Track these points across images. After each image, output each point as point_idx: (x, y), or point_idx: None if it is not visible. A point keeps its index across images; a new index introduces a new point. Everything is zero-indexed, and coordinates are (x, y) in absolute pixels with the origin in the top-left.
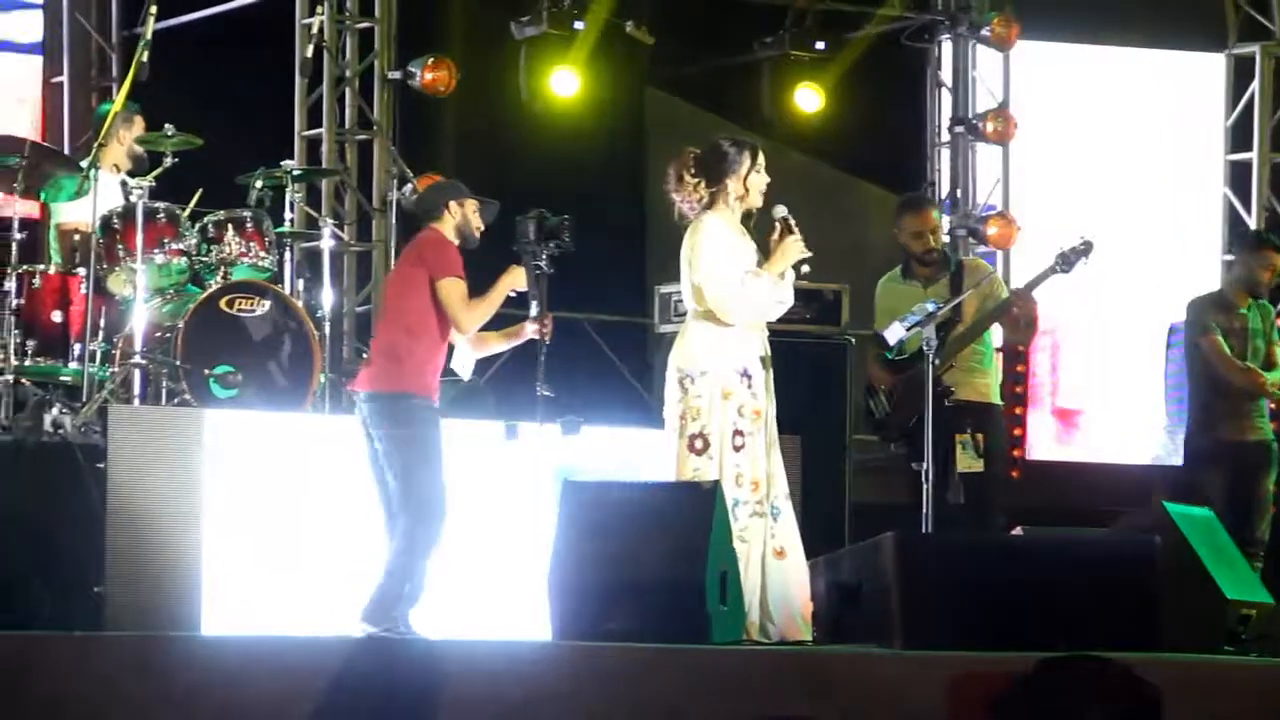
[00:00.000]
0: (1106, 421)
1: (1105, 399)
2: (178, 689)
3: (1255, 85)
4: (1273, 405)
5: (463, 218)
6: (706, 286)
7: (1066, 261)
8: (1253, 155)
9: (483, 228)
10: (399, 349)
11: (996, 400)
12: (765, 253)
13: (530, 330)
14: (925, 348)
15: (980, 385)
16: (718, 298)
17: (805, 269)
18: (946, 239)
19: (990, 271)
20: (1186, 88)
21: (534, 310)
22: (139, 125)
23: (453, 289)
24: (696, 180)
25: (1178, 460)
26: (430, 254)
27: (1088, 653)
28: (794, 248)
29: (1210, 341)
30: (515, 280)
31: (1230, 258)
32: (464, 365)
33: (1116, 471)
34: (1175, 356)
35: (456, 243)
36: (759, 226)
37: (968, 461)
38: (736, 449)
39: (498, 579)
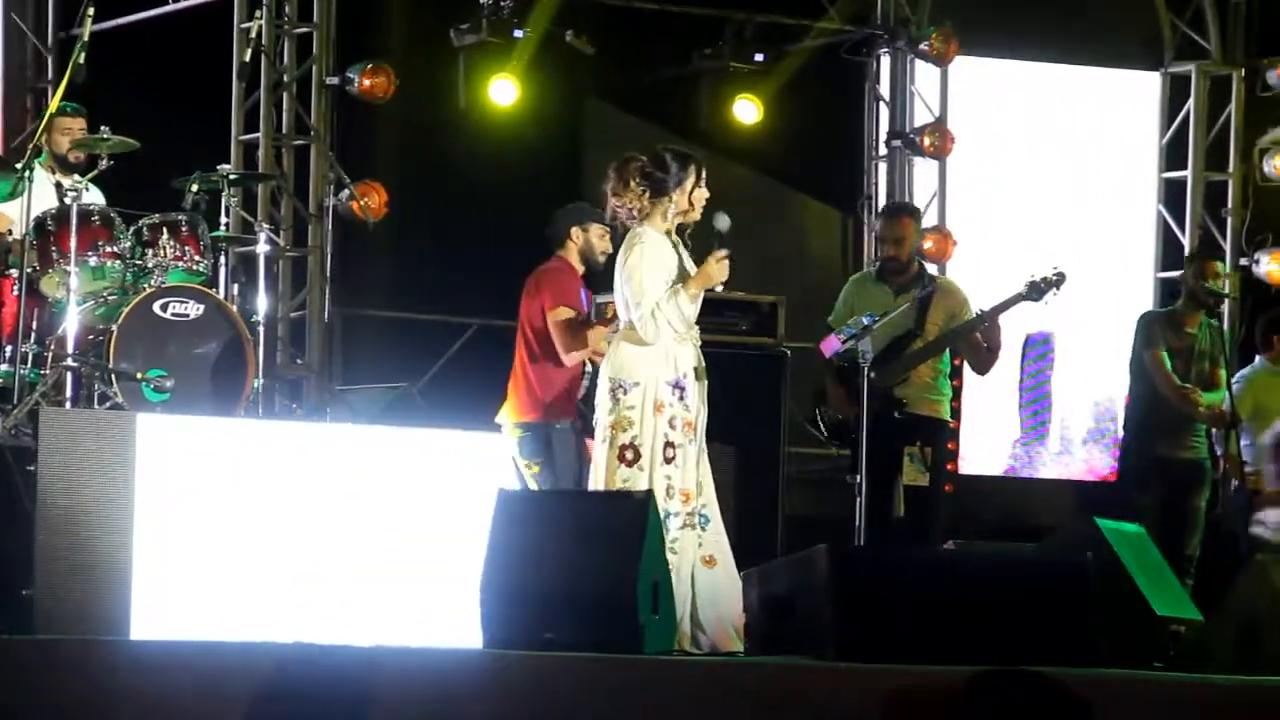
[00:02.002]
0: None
1: (968, 412)
2: (107, 693)
3: (1190, 104)
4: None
5: (585, 242)
6: (633, 307)
7: (1037, 290)
8: (1187, 173)
9: (610, 250)
10: (533, 380)
11: (948, 418)
12: (699, 260)
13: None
14: (861, 360)
15: (934, 402)
16: (640, 321)
17: (719, 289)
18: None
19: (965, 299)
20: (1123, 105)
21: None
22: (77, 127)
23: (558, 318)
24: (641, 190)
25: (1029, 473)
26: (546, 284)
27: (1020, 667)
28: (718, 271)
29: (1154, 357)
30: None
31: (1167, 274)
32: None
33: (1047, 486)
34: (1031, 369)
35: (581, 269)
36: (695, 234)
37: (913, 474)
38: (668, 460)
39: (432, 587)
